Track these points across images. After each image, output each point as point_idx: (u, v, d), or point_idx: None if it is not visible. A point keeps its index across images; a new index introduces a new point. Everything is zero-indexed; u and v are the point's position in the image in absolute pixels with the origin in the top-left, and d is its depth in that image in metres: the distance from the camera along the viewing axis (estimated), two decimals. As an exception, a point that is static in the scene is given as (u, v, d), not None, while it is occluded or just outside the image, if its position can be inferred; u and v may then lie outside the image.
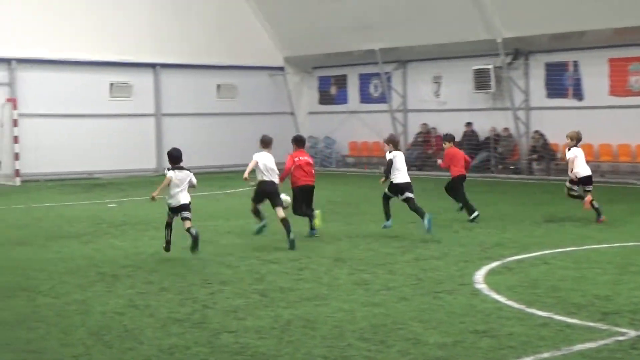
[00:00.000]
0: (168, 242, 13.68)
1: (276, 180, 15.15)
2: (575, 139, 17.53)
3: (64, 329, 9.02)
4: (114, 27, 32.00)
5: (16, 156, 28.66)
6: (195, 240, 13.41)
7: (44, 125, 30.31)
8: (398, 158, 15.95)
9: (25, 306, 10.10)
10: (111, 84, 32.37)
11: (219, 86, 35.04)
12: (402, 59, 32.81)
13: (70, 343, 8.47)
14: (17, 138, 28.79)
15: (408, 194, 15.84)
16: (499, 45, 28.69)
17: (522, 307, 9.76)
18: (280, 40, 35.77)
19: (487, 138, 30.17)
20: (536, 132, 28.96)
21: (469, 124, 30.42)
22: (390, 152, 16.15)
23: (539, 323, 9.02)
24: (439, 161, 18.65)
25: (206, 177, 28.15)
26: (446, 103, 31.97)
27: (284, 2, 33.99)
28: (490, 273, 11.87)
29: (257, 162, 15.01)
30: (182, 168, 13.76)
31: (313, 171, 16.23)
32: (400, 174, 15.88)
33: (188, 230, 13.50)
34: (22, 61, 30.31)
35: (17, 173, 28.72)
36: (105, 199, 23.16)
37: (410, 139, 33.13)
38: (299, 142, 16.58)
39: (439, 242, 14.73)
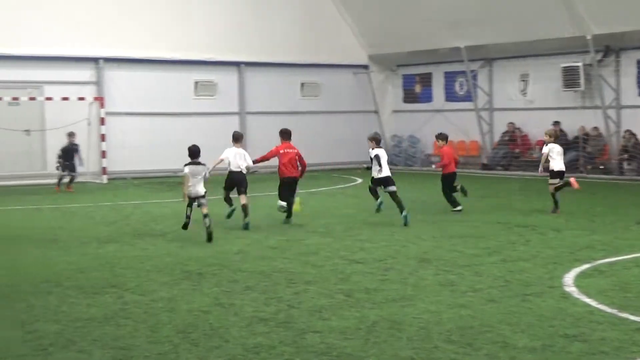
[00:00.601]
0: (188, 218, 15.42)
1: (244, 170, 17.39)
2: (554, 136, 19.30)
3: (151, 326, 9.07)
4: (199, 26, 32.32)
5: (103, 154, 29.12)
6: (209, 234, 15.05)
7: (130, 124, 30.78)
8: (381, 155, 17.57)
9: (113, 303, 10.19)
10: (196, 83, 32.70)
11: (302, 84, 35.10)
12: (489, 56, 32.38)
13: (158, 340, 8.51)
14: (104, 136, 29.27)
15: (391, 188, 17.49)
16: (588, 42, 28.08)
17: (614, 311, 9.48)
18: (364, 38, 35.66)
19: (576, 137, 29.56)
20: (627, 131, 28.28)
21: (556, 123, 29.83)
22: (373, 149, 17.78)
23: (633, 328, 8.76)
24: (433, 166, 20.22)
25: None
26: (533, 102, 31.44)
27: (369, 0, 33.89)
28: (581, 276, 11.58)
29: (226, 157, 17.33)
30: (198, 163, 15.47)
31: (297, 164, 17.89)
32: (382, 170, 17.51)
33: (205, 216, 15.14)
34: (109, 60, 30.83)
35: (104, 171, 29.20)
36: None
37: (496, 138, 32.68)
38: (284, 134, 18.42)
39: (526, 244, 14.46)
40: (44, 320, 9.36)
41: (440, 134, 20.24)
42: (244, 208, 16.89)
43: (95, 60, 30.58)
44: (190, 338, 8.58)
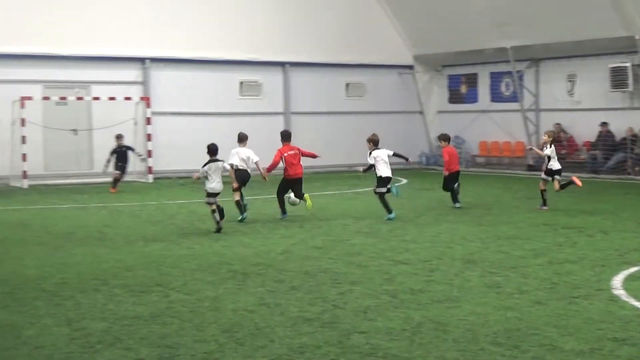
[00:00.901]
0: (218, 223, 16.45)
1: (249, 169, 18.52)
2: (552, 137, 20.14)
3: (197, 325, 9.11)
4: (245, 26, 32.44)
5: (149, 153, 29.34)
6: (218, 226, 16.40)
7: (176, 124, 30.99)
8: (382, 154, 18.51)
9: (160, 301, 10.25)
10: (241, 83, 32.84)
11: (347, 85, 35.09)
12: (535, 57, 32.12)
13: (203, 339, 8.54)
14: (149, 136, 29.50)
15: (380, 189, 18.26)
16: (637, 42, 27.73)
17: (665, 315, 9.38)
18: (409, 38, 35.56)
19: (624, 139, 29.19)
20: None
21: (604, 124, 29.52)
22: (371, 152, 18.67)
23: (683, 332, 8.64)
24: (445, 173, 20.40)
25: (334, 176, 28.26)
26: (580, 102, 31.12)
27: (415, 0, 33.79)
28: (629, 278, 11.44)
29: (233, 160, 18.21)
30: (217, 160, 16.76)
31: (300, 162, 18.94)
32: (386, 169, 18.42)
33: (214, 212, 16.51)
34: (155, 60, 31.07)
35: (149, 170, 29.42)
36: (226, 198, 23.37)
37: (542, 139, 32.36)
38: (285, 136, 19.35)
39: (573, 246, 14.32)
40: (91, 318, 9.44)
41: (443, 134, 21.13)
42: (237, 204, 18.17)
43: (141, 60, 30.84)
44: (236, 337, 8.61)
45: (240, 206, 18.21)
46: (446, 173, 20.32)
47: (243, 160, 18.43)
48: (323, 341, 8.44)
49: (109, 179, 25.69)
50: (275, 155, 18.90)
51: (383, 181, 18.30)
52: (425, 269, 12.27)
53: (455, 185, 20.35)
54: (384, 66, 35.55)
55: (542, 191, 19.90)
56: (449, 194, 20.46)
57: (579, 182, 19.78)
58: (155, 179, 29.14)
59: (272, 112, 33.35)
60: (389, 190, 18.37)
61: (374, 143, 18.90)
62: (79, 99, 29.34)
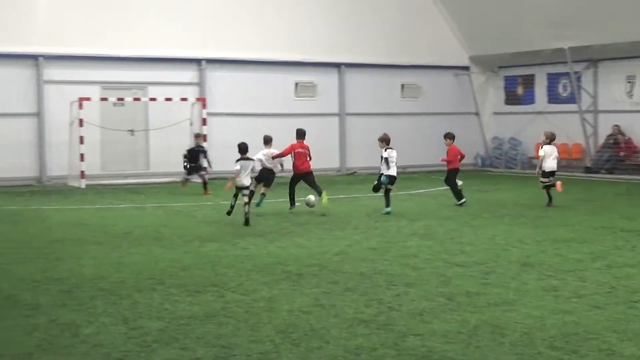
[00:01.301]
0: (232, 207, 18.30)
1: (274, 167, 20.61)
2: (549, 138, 21.22)
3: (252, 325, 9.13)
4: (300, 27, 32.52)
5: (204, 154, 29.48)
6: (246, 219, 17.66)
7: (231, 124, 31.13)
8: (394, 154, 19.75)
9: (215, 302, 10.29)
10: (296, 84, 32.92)
11: (403, 86, 34.99)
12: (593, 57, 31.72)
13: (259, 340, 8.56)
14: (205, 136, 29.62)
15: (389, 185, 19.68)
16: (698, 42, 27.32)
17: None
18: (465, 39, 35.37)
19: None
20: None
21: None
22: (385, 150, 19.79)
23: None
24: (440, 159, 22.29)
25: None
26: (640, 103, 30.72)
27: (470, 0, 33.57)
28: (691, 283, 11.24)
29: (258, 159, 20.14)
30: (247, 158, 18.38)
31: (308, 158, 20.48)
32: (395, 168, 19.75)
33: (245, 204, 17.87)
34: (211, 61, 31.28)
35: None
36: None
37: (601, 141, 31.97)
38: (299, 134, 20.91)
39: (632, 250, 14.10)
40: (147, 317, 9.51)
41: (448, 133, 22.27)
42: (261, 196, 20.52)
43: (197, 61, 31.06)
44: (291, 338, 8.61)
45: (264, 197, 20.68)
46: (443, 162, 22.05)
47: (267, 160, 20.62)
48: (379, 343, 8.41)
49: (167, 179, 25.89)
50: (286, 148, 20.69)
51: (394, 180, 19.79)
52: (481, 272, 12.16)
53: (460, 183, 21.51)
54: (439, 67, 35.41)
55: (547, 189, 20.87)
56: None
57: (559, 188, 20.69)
58: (210, 179, 29.28)
59: (327, 113, 33.38)
60: (379, 180, 19.81)
61: (386, 142, 20.04)
62: (136, 99, 29.63)
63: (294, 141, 20.81)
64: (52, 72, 28.90)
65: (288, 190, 20.68)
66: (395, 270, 12.34)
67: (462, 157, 22.06)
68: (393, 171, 19.63)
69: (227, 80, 31.50)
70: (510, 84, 35.88)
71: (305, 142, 20.89)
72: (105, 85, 29.70)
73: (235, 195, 18.24)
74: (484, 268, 12.46)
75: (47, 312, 9.76)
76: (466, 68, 36.09)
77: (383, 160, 19.77)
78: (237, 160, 18.31)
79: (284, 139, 28.66)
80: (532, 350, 8.14)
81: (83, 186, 27.14)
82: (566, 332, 8.74)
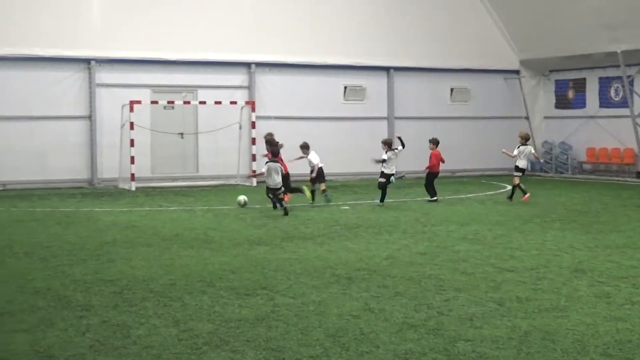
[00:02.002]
0: (274, 203, 20.54)
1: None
2: (524, 138, 23.78)
3: (302, 329, 9.14)
4: (349, 31, 32.54)
5: (253, 157, 29.62)
6: (285, 211, 19.85)
7: (280, 128, 31.15)
8: (392, 155, 22.64)
9: (265, 305, 10.32)
10: (345, 87, 32.93)
11: (452, 90, 34.84)
12: (646, 61, 31.34)
13: (309, 343, 8.56)
14: (254, 140, 29.77)
15: (391, 181, 22.53)
16: None
17: None
18: (516, 42, 35.11)
19: None
20: None
21: None
22: (387, 152, 22.68)
23: None
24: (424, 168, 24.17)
25: (437, 181, 27.95)
26: (694, 108, 30.26)
27: (521, 3, 33.32)
28: None
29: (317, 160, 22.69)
30: (276, 161, 20.40)
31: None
32: (392, 167, 22.67)
33: (281, 200, 20.27)
34: (260, 65, 31.41)
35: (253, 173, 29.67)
36: (338, 201, 23.48)
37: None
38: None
39: (687, 256, 13.90)
40: (198, 320, 9.56)
41: (434, 138, 24.43)
42: (324, 193, 22.74)
43: (247, 65, 31.21)
44: (341, 342, 8.60)
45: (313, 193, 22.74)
46: (426, 169, 24.02)
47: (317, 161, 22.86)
48: (428, 348, 8.37)
49: (216, 182, 26.02)
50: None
51: (386, 176, 22.54)
52: (532, 277, 12.06)
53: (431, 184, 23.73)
54: (489, 71, 35.19)
55: (518, 185, 23.08)
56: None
57: (525, 198, 22.87)
58: (258, 182, 29.38)
59: (375, 117, 33.35)
60: (389, 181, 22.46)
61: (388, 145, 22.94)
62: (186, 103, 29.83)
63: (333, 143, 21.02)
64: (104, 75, 29.25)
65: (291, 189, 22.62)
66: (444, 275, 12.28)
67: (443, 161, 24.08)
68: (391, 169, 22.74)
69: (276, 83, 31.63)
70: (561, 87, 35.52)
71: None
72: (156, 88, 29.98)
73: (269, 193, 20.60)
74: (534, 273, 12.36)
75: (99, 313, 9.86)
76: (516, 72, 35.81)
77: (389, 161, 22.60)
78: (266, 163, 20.59)
79: (333, 142, 28.93)
80: (584, 357, 8.05)
81: (133, 188, 27.40)
82: (620, 340, 8.64)
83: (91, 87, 29.10)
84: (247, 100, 30.78)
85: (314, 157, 22.95)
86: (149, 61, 29.68)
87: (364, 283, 11.68)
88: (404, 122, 33.55)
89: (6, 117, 28.31)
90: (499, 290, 11.13)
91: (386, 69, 33.48)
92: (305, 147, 23.20)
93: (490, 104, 35.26)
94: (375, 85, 33.44)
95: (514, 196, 23.20)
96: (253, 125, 29.94)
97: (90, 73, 29.06)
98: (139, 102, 28.20)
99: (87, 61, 29.03)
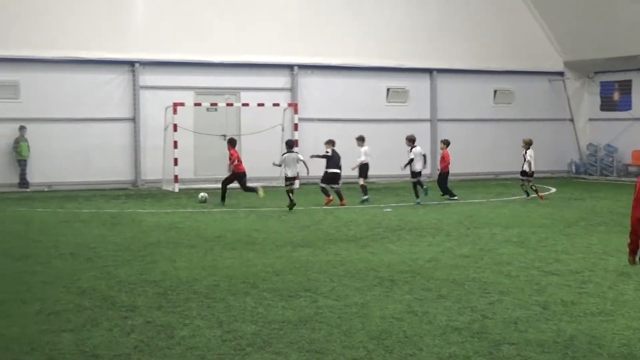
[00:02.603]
0: (291, 202, 21.76)
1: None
2: (528, 144, 24.82)
3: (345, 331, 9.13)
4: (391, 33, 32.49)
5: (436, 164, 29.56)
6: (292, 203, 21.64)
7: (322, 130, 31.17)
8: (418, 152, 23.68)
9: (308, 306, 10.32)
10: (388, 89, 32.87)
11: (495, 91, 34.64)
12: (693, 63, 30.93)
13: (352, 345, 8.55)
14: (297, 142, 29.76)
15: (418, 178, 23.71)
16: None
17: None
18: (560, 44, 34.82)
19: None
20: None
21: None
22: (412, 148, 23.66)
23: None
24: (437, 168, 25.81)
25: (481, 183, 27.92)
26: None
27: (565, 5, 33.04)
28: None
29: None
30: (292, 152, 22.40)
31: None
32: (418, 164, 23.63)
33: (292, 192, 22.03)
34: (303, 67, 31.45)
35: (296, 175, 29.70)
36: (380, 204, 23.45)
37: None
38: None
39: None
40: (241, 321, 9.59)
41: (445, 139, 25.58)
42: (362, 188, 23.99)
43: (290, 67, 31.28)
44: (384, 345, 8.58)
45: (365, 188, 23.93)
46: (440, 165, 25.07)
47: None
48: (473, 351, 8.32)
49: (259, 184, 26.05)
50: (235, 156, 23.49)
51: (416, 175, 23.54)
52: (577, 281, 11.95)
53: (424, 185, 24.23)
54: (533, 73, 34.94)
55: (533, 188, 24.39)
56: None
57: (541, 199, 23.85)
58: (301, 184, 29.42)
59: (418, 119, 33.23)
60: (419, 182, 23.66)
61: (412, 141, 23.84)
62: (229, 105, 29.96)
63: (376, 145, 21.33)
64: (148, 77, 29.48)
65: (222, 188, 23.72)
66: (488, 278, 12.21)
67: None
68: (420, 166, 23.89)
69: (319, 85, 31.65)
70: (606, 89, 35.15)
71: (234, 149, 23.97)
72: (199, 90, 30.15)
73: (288, 191, 22.08)
74: (579, 277, 12.24)
75: (143, 314, 9.93)
76: (561, 73, 35.51)
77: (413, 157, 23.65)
78: (283, 154, 22.53)
79: (375, 144, 28.82)
80: (631, 362, 7.97)
81: (176, 190, 27.55)
82: (667, 345, 8.54)
83: (135, 89, 29.34)
84: (290, 102, 30.83)
85: (363, 151, 24.33)
86: (192, 63, 29.87)
87: (407, 285, 11.65)
88: (447, 124, 33.42)
89: (52, 119, 28.62)
90: (544, 294, 11.04)
91: (429, 71, 33.38)
92: (360, 140, 24.64)
93: (534, 106, 34.99)
94: (418, 87, 33.34)
95: (529, 196, 24.44)
96: (295, 127, 29.99)
97: (134, 75, 29.30)
98: (182, 104, 28.35)
99: (131, 63, 29.28)
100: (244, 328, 9.27)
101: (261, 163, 28.79)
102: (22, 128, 28.16)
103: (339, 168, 23.43)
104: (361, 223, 18.94)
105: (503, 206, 22.95)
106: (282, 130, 30.17)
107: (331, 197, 23.18)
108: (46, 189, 28.15)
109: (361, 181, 24.00)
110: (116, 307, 10.30)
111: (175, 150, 27.95)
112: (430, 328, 9.25)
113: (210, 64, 30.11)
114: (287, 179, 22.38)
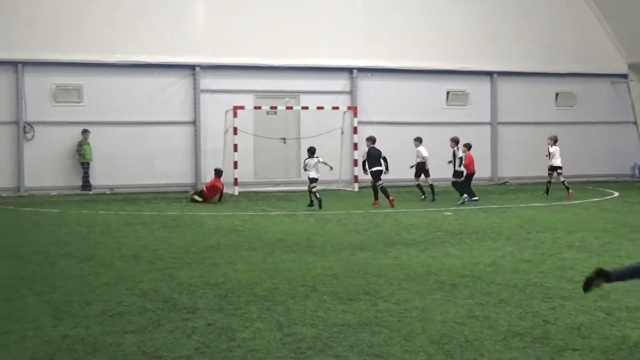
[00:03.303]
0: (312, 201, 23.66)
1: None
2: (554, 140, 26.72)
3: (405, 335, 9.09)
4: (451, 36, 32.36)
5: (355, 162, 29.65)
6: (319, 201, 23.25)
7: (382, 133, 31.09)
8: (459, 154, 24.70)
9: (368, 310, 10.30)
10: (447, 92, 32.72)
11: (557, 94, 34.27)
12: None
13: (412, 350, 8.51)
14: (356, 145, 29.79)
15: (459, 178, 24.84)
16: None
17: None
18: (623, 46, 34.34)
19: None
20: None
21: None
22: (458, 149, 24.81)
23: None
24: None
25: (542, 187, 27.59)
26: None
27: (629, 6, 32.58)
28: None
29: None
30: (313, 157, 23.97)
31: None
32: (458, 164, 24.70)
33: (316, 192, 23.55)
34: (362, 70, 31.47)
35: (355, 179, 29.73)
36: (440, 207, 23.34)
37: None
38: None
39: None
40: (301, 324, 9.60)
41: (467, 143, 25.63)
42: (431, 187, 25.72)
43: (349, 70, 31.31)
44: (445, 349, 8.52)
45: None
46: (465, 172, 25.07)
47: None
48: (534, 357, 8.23)
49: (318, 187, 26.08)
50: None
51: (461, 174, 24.67)
52: (642, 287, 11.73)
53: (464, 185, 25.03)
54: (596, 75, 34.54)
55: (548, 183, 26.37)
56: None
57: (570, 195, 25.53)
58: (360, 187, 29.42)
59: (478, 122, 33.03)
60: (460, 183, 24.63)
61: (456, 143, 24.87)
62: (289, 108, 30.07)
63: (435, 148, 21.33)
64: (208, 81, 29.74)
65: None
66: (550, 283, 12.06)
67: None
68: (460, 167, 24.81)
69: (378, 88, 31.65)
70: (671, 91, 34.62)
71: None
72: (259, 94, 30.33)
73: (311, 191, 23.76)
74: (645, 283, 12.02)
75: (204, 316, 9.99)
76: (624, 76, 35.04)
77: (457, 160, 24.74)
78: (305, 160, 24.44)
79: (435, 148, 28.70)
80: (698, 370, 7.82)
81: (236, 193, 27.71)
82: None
83: (196, 93, 29.62)
84: (349, 105, 30.86)
85: (421, 150, 25.97)
86: (252, 67, 30.06)
87: (468, 290, 11.56)
88: (508, 127, 33.20)
89: (115, 122, 29.02)
90: (608, 299, 10.86)
91: (489, 74, 33.16)
92: (417, 140, 26.15)
93: (597, 109, 34.57)
94: (479, 89, 33.16)
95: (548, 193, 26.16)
96: (355, 130, 29.99)
97: (195, 79, 29.58)
98: (242, 107, 28.53)
99: (192, 67, 29.57)
100: (304, 331, 9.28)
101: (321, 166, 28.82)
102: (85, 131, 28.62)
103: (380, 165, 24.22)
104: (421, 226, 18.86)
105: (564, 210, 22.67)
106: (342, 133, 30.20)
107: (391, 198, 23.51)
108: (108, 192, 28.53)
109: (420, 181, 25.53)
110: (177, 309, 10.38)
111: (235, 153, 28.12)
112: (491, 333, 9.16)
113: (270, 67, 30.27)
114: (310, 180, 23.84)
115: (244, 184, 28.62)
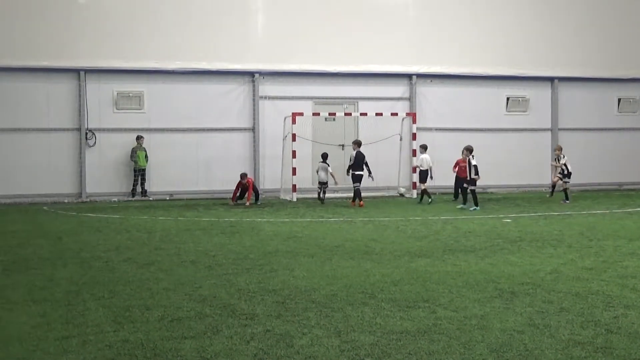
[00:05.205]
0: (319, 198, 26.95)
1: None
2: (560, 150, 27.49)
3: (464, 343, 9.01)
4: (511, 41, 32.13)
5: (414, 169, 29.54)
6: (321, 201, 26.66)
7: (441, 139, 31.05)
8: (475, 160, 24.52)
9: (426, 317, 10.23)
10: (507, 98, 32.46)
11: (619, 100, 33.80)
12: None
13: (471, 357, 8.42)
14: (415, 152, 29.69)
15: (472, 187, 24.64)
16: None
17: None
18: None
19: None
20: None
21: None
22: (473, 157, 24.52)
23: None
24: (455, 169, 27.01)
25: (604, 194, 27.25)
26: None
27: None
28: None
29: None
30: (324, 162, 26.74)
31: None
32: (473, 172, 24.48)
33: (324, 192, 27.03)
34: (421, 76, 31.37)
35: (414, 185, 29.62)
36: (499, 214, 23.13)
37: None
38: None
39: None
40: (359, 331, 9.57)
41: (468, 146, 25.25)
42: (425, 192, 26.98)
43: (408, 76, 31.24)
44: (505, 358, 8.42)
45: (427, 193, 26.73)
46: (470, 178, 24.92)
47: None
48: (597, 367, 8.11)
49: (376, 194, 26.07)
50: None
51: (474, 182, 24.41)
52: None
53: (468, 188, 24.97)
54: (659, 81, 34.03)
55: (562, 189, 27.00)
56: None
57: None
58: (418, 194, 29.29)
59: (539, 128, 32.72)
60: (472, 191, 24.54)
61: (470, 152, 24.70)
62: (347, 114, 30.08)
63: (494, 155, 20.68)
64: (267, 88, 29.88)
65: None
66: (612, 291, 11.87)
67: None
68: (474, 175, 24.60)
69: (437, 94, 31.54)
70: None
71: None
72: (317, 100, 30.40)
73: (319, 192, 27.10)
74: None
75: (263, 322, 10.01)
76: (690, 81, 34.48)
77: (473, 168, 24.43)
78: (319, 163, 27.04)
79: (494, 154, 28.48)
80: None
81: (294, 199, 27.78)
82: None
83: (255, 99, 29.79)
84: (408, 111, 30.77)
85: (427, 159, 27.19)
86: (311, 73, 30.15)
87: (528, 298, 11.42)
88: (569, 133, 32.82)
89: (175, 129, 29.30)
90: (672, 309, 10.66)
91: (550, 79, 32.84)
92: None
93: (661, 115, 34.07)
94: (539, 95, 32.86)
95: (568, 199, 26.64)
96: (414, 136, 29.90)
97: (254, 86, 29.75)
98: (300, 114, 28.61)
99: (251, 74, 29.75)
100: (362, 338, 9.24)
101: (379, 172, 28.79)
102: (139, 137, 28.90)
103: (362, 170, 25.90)
104: (480, 234, 18.71)
105: (627, 217, 22.32)
106: (400, 139, 30.12)
107: (362, 202, 25.65)
108: (167, 198, 28.79)
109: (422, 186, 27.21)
110: (236, 315, 10.41)
111: (294, 159, 28.20)
112: (552, 342, 9.04)
113: (329, 74, 30.33)
114: (319, 183, 26.97)
115: (303, 191, 28.68)
